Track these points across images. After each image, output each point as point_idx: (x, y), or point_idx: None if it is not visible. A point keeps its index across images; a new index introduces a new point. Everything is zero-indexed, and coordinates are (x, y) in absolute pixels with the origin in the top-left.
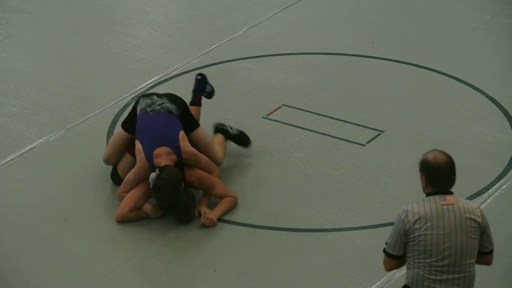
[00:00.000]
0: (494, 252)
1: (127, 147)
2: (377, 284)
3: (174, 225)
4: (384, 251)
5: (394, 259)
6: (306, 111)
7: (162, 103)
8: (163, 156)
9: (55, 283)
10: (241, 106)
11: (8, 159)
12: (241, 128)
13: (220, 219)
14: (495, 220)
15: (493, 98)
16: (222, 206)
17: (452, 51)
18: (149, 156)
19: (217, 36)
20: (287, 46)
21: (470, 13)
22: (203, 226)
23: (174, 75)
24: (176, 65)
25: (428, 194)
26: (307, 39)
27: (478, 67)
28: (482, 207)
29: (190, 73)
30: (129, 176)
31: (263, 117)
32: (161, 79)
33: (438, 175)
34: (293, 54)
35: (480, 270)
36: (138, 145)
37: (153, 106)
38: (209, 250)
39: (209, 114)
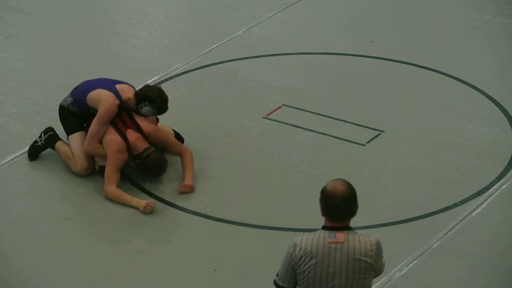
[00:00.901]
0: (495, 252)
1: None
2: (377, 284)
3: (174, 225)
4: (275, 282)
5: None
6: (306, 111)
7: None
8: (127, 90)
9: (55, 283)
10: (241, 106)
11: (8, 159)
12: (241, 128)
13: (220, 220)
14: (495, 220)
15: (493, 98)
16: (189, 167)
17: (452, 51)
18: (116, 93)
19: (217, 36)
20: (287, 46)
21: (470, 13)
22: (183, 193)
23: (174, 75)
24: (176, 65)
25: (323, 227)
26: (307, 39)
27: (478, 67)
28: (482, 207)
29: (190, 73)
30: (100, 120)
31: (263, 117)
32: (161, 79)
33: (333, 206)
34: (293, 54)
35: (480, 271)
36: (96, 93)
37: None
38: (209, 250)
39: (209, 114)
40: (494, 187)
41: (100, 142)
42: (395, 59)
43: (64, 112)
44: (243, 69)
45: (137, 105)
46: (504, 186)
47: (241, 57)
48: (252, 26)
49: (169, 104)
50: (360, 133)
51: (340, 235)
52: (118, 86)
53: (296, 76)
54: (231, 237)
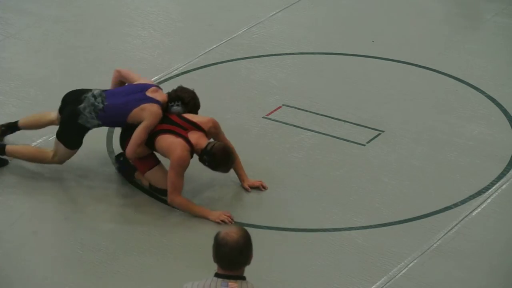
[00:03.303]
0: (495, 252)
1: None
2: (377, 284)
3: (174, 225)
4: None
5: None
6: (306, 111)
7: (93, 96)
8: (158, 92)
9: (55, 283)
10: (241, 106)
11: (8, 159)
12: (241, 128)
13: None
14: (495, 220)
15: (493, 98)
16: (241, 165)
17: (452, 51)
18: (154, 101)
19: (217, 36)
20: (287, 46)
21: (470, 13)
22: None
23: (174, 75)
24: (176, 65)
25: (215, 274)
26: (307, 39)
27: (478, 67)
28: (482, 207)
29: (190, 73)
30: (148, 128)
31: (263, 117)
32: (161, 79)
33: (223, 255)
34: (293, 54)
35: (480, 271)
36: (134, 112)
37: (95, 105)
38: (209, 250)
39: (209, 114)
40: (494, 187)
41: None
42: (395, 59)
43: (76, 124)
44: (243, 69)
45: (168, 103)
46: (504, 186)
47: (241, 57)
48: (252, 26)
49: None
50: (360, 133)
51: (233, 285)
52: (149, 93)
53: (296, 76)
54: None
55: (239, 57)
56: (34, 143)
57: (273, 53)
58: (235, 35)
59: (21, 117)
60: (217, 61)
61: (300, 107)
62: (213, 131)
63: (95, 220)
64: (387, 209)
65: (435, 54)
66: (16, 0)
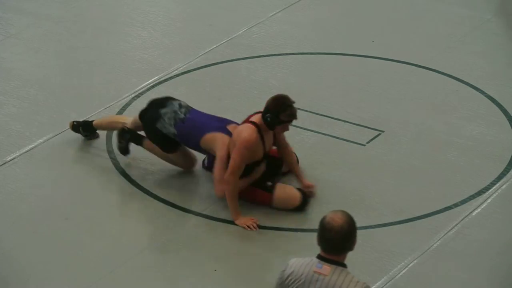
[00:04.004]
0: (495, 252)
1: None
2: (377, 284)
3: (174, 225)
4: None
5: None
6: (306, 111)
7: (179, 104)
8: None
9: (55, 283)
10: (241, 106)
11: (8, 159)
12: None
13: (220, 219)
14: (495, 220)
15: (493, 98)
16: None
17: (452, 51)
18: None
19: (217, 36)
20: (287, 46)
21: (470, 13)
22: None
23: (174, 75)
24: (176, 65)
25: (317, 255)
26: (307, 39)
27: (478, 67)
28: (482, 207)
29: (190, 73)
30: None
31: None
32: (161, 79)
33: (327, 238)
34: (293, 54)
35: (480, 271)
36: (208, 136)
37: (177, 113)
38: (209, 250)
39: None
40: (494, 187)
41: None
42: (395, 59)
43: (154, 128)
44: (243, 69)
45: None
46: (504, 186)
47: (241, 57)
48: (252, 26)
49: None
50: (360, 133)
51: (327, 268)
52: (229, 127)
53: (296, 76)
54: (231, 237)
55: (239, 57)
56: (34, 144)
57: (273, 53)
58: (235, 35)
59: (20, 117)
60: (217, 61)
61: (300, 107)
62: (278, 137)
63: (95, 220)
64: (387, 209)
65: (435, 54)
66: (16, 0)
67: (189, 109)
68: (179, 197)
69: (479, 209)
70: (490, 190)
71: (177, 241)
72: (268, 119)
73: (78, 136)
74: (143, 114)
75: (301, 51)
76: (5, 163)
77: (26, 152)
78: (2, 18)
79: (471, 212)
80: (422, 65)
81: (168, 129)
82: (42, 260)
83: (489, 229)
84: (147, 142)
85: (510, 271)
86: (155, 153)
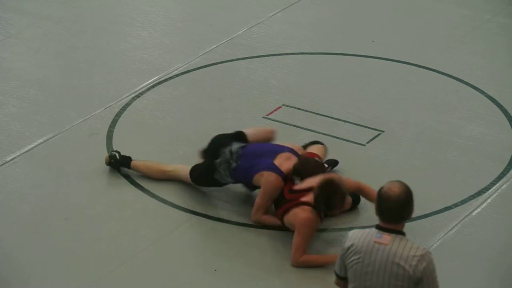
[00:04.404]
0: (495, 252)
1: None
2: None
3: (174, 225)
4: (334, 270)
5: (339, 280)
6: (306, 111)
7: (230, 152)
8: (286, 161)
9: (55, 283)
10: (241, 106)
11: (8, 159)
12: (241, 128)
13: (220, 219)
14: (495, 220)
15: (493, 98)
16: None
17: (452, 51)
18: (275, 169)
19: (217, 36)
20: (287, 46)
21: (470, 13)
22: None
23: (174, 75)
24: (176, 65)
25: (376, 225)
26: (307, 39)
27: (478, 67)
28: (482, 207)
29: (190, 73)
30: (266, 196)
31: (263, 117)
32: (161, 79)
33: (385, 208)
34: (293, 54)
35: (480, 270)
36: (256, 176)
37: (230, 163)
38: (209, 250)
39: (209, 114)
40: (494, 187)
41: None
42: (395, 59)
43: (212, 179)
44: (243, 69)
45: (293, 175)
46: (504, 186)
47: (241, 57)
48: (252, 26)
49: (169, 104)
50: (360, 133)
51: (387, 237)
52: (277, 161)
53: (296, 76)
54: (231, 237)
55: (239, 57)
56: (34, 144)
57: (273, 53)
58: (235, 35)
59: (20, 117)
60: (217, 61)
61: (300, 107)
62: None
63: (95, 220)
64: None
65: (435, 54)
66: (16, 0)
67: (240, 155)
68: (179, 197)
69: (479, 209)
70: (490, 190)
71: (177, 241)
72: (322, 209)
73: (78, 136)
74: (195, 167)
75: (301, 51)
76: (5, 163)
77: (26, 152)
78: (2, 18)
79: (471, 212)
80: (422, 65)
81: (226, 180)
82: (42, 260)
83: (489, 229)
84: (136, 163)
85: (510, 271)
86: (148, 175)
